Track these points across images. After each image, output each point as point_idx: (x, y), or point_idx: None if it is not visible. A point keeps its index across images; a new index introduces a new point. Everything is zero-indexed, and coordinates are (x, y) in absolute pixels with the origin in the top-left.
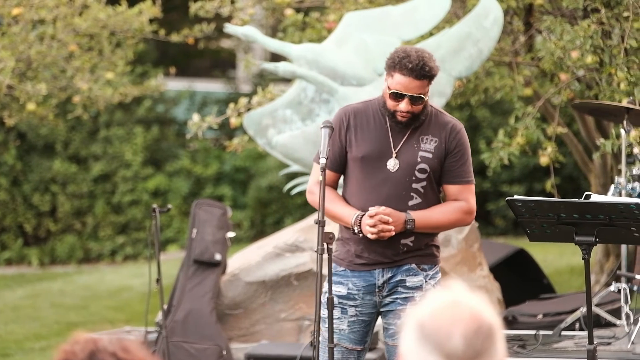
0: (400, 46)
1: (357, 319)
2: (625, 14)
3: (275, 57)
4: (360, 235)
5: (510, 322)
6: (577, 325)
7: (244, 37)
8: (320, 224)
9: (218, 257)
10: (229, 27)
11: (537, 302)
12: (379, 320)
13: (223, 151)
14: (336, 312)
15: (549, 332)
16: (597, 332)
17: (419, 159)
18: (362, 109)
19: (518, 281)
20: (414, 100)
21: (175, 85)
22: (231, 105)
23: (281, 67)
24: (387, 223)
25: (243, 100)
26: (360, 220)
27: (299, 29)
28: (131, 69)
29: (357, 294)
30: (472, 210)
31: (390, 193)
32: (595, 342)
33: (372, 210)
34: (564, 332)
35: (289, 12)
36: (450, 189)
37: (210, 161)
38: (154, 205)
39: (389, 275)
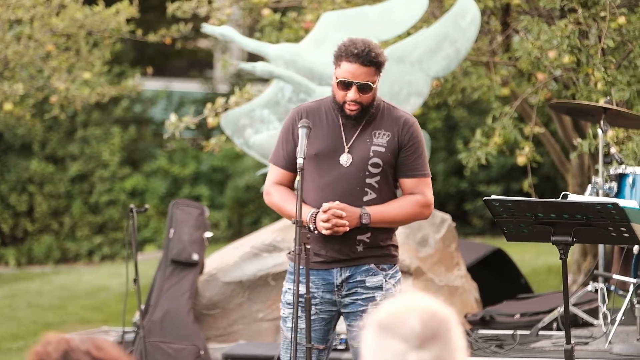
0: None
1: (318, 317)
2: (602, 14)
3: (253, 57)
4: (316, 232)
5: (487, 322)
6: (555, 325)
7: (221, 37)
8: (298, 223)
9: (195, 257)
10: (206, 27)
11: (515, 302)
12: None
13: (200, 151)
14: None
15: (527, 332)
16: (574, 332)
17: (371, 154)
18: (315, 108)
19: (495, 281)
20: (361, 88)
21: (152, 85)
22: (208, 105)
23: (258, 67)
24: (340, 217)
25: (220, 100)
26: (315, 217)
27: (276, 29)
28: (108, 69)
29: (316, 293)
30: (429, 204)
31: (345, 189)
32: (572, 342)
33: (325, 205)
34: (541, 332)
35: (266, 12)
36: (406, 182)
37: (187, 161)
38: (131, 205)
39: (347, 274)
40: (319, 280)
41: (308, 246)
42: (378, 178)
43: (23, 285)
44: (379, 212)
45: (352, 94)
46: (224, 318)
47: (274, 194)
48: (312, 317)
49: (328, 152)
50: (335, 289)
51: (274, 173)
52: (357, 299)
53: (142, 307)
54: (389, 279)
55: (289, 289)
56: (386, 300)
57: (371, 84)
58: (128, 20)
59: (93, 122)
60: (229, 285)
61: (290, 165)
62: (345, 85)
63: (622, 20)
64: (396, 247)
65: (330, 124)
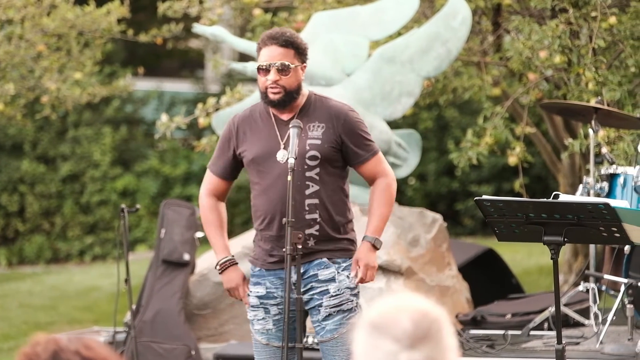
0: None
1: (281, 316)
2: (593, 14)
3: (244, 57)
4: (218, 269)
5: (478, 322)
6: (546, 325)
7: (212, 37)
8: (289, 224)
9: (186, 257)
10: (197, 27)
11: (506, 302)
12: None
13: (191, 151)
14: (260, 313)
15: (518, 332)
16: (565, 332)
17: (307, 147)
18: (248, 115)
19: (487, 281)
20: (280, 69)
21: (143, 85)
22: (199, 105)
23: (249, 67)
24: (365, 268)
25: (211, 100)
26: (223, 265)
27: (267, 29)
28: (99, 69)
29: (275, 292)
30: (391, 178)
31: (286, 185)
32: (563, 342)
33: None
34: (532, 332)
35: (257, 12)
36: (362, 168)
37: (178, 161)
38: (123, 206)
39: (302, 270)
40: (276, 280)
41: (299, 246)
42: (317, 170)
43: (14, 285)
44: (374, 226)
45: (271, 75)
46: (215, 318)
47: (203, 211)
48: (276, 318)
49: (264, 154)
50: (293, 287)
51: (209, 179)
52: (313, 294)
53: (133, 307)
54: (342, 270)
55: (251, 291)
56: (377, 300)
57: (289, 64)
58: (119, 21)
59: (84, 122)
60: (220, 285)
61: (225, 173)
62: (264, 70)
63: (613, 20)
64: (351, 241)
65: (264, 126)
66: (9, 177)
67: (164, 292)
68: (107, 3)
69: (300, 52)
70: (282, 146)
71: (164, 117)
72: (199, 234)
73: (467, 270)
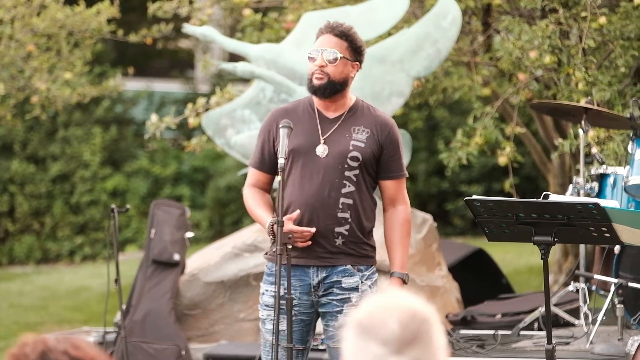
0: None
1: (296, 318)
2: (583, 14)
3: (234, 57)
4: (271, 239)
5: (468, 322)
6: (536, 325)
7: (202, 37)
8: (279, 224)
9: (177, 257)
10: (187, 27)
11: (496, 302)
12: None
13: (181, 151)
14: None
15: (508, 332)
16: (555, 332)
17: (351, 147)
18: (292, 108)
19: (477, 281)
20: (328, 55)
21: (133, 85)
22: (189, 105)
23: (239, 67)
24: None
25: (201, 101)
26: (272, 227)
27: (257, 29)
28: (89, 69)
29: (294, 294)
30: (408, 209)
31: (323, 179)
32: (553, 342)
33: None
34: (522, 332)
35: (247, 12)
36: (387, 184)
37: (168, 161)
38: (113, 206)
39: (324, 274)
40: (296, 282)
41: (289, 246)
42: (357, 172)
43: (4, 285)
44: (401, 262)
45: (318, 60)
46: (205, 318)
47: (247, 197)
48: (291, 319)
49: (304, 146)
50: (312, 290)
51: (251, 175)
52: (332, 299)
53: (124, 307)
54: (365, 280)
55: (266, 290)
56: (366, 299)
57: (338, 53)
58: (109, 21)
59: (74, 123)
60: (210, 285)
61: (266, 167)
62: (315, 54)
63: (602, 20)
64: (373, 247)
65: (306, 120)
66: None
67: (154, 292)
68: (97, 3)
69: (354, 47)
70: (322, 141)
71: (153, 117)
72: (189, 234)
73: (457, 270)
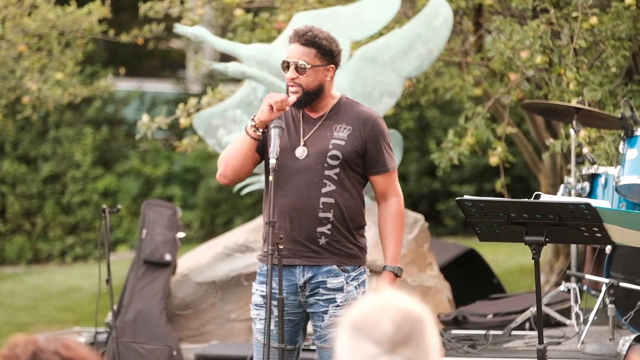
0: None
1: (285, 318)
2: (574, 14)
3: (225, 58)
4: (255, 131)
5: (460, 322)
6: (527, 325)
7: (193, 38)
8: (271, 224)
9: (168, 257)
10: (178, 28)
11: (487, 302)
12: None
13: (173, 151)
14: (263, 313)
15: (499, 332)
16: (547, 332)
17: (330, 146)
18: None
19: (468, 281)
20: (298, 67)
21: (124, 85)
22: (181, 105)
23: (231, 68)
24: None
25: (193, 101)
26: (253, 117)
27: (248, 29)
28: (81, 69)
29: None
30: (400, 202)
31: (303, 181)
32: (545, 342)
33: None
34: (514, 332)
35: (238, 12)
36: (376, 180)
37: (160, 162)
38: (104, 206)
39: (310, 275)
40: (283, 282)
41: (281, 246)
42: (337, 170)
43: None
44: (394, 255)
45: (289, 73)
46: (197, 318)
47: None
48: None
49: (284, 149)
50: (299, 290)
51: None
52: (318, 300)
53: (115, 307)
54: (351, 280)
55: (257, 289)
56: (358, 300)
57: (305, 64)
58: (100, 21)
59: (65, 123)
60: (201, 285)
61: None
62: (285, 66)
63: (594, 20)
64: (362, 248)
65: (291, 121)
66: None
67: (146, 293)
68: (89, 3)
69: (323, 52)
70: (302, 143)
71: (145, 118)
72: (181, 234)
73: (449, 271)
